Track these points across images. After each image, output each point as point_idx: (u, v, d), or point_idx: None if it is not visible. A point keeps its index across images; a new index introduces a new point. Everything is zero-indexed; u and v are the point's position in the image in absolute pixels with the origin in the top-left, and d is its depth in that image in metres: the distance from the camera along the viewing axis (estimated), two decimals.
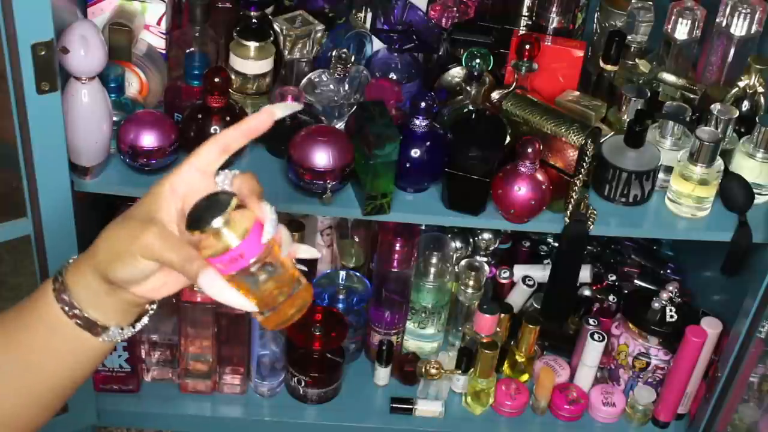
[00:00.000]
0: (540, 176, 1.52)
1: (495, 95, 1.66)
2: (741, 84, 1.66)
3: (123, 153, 1.51)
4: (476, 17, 1.78)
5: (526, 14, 1.76)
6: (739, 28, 1.68)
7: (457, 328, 1.88)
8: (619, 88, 1.67)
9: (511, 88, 1.63)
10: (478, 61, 1.61)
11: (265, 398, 1.83)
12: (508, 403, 1.84)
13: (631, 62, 1.73)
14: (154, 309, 0.96)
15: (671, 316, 1.75)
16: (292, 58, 1.65)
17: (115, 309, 0.91)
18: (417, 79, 1.71)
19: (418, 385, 1.86)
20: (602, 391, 1.86)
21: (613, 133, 1.63)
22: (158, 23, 1.61)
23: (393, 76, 1.69)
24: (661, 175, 1.62)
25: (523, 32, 1.72)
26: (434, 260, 1.78)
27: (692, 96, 1.70)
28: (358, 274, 1.87)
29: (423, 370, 1.81)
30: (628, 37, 1.70)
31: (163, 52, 1.64)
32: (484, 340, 1.76)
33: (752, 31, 1.68)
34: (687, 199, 1.58)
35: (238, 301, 0.88)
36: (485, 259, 1.92)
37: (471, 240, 1.93)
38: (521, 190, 1.51)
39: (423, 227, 1.82)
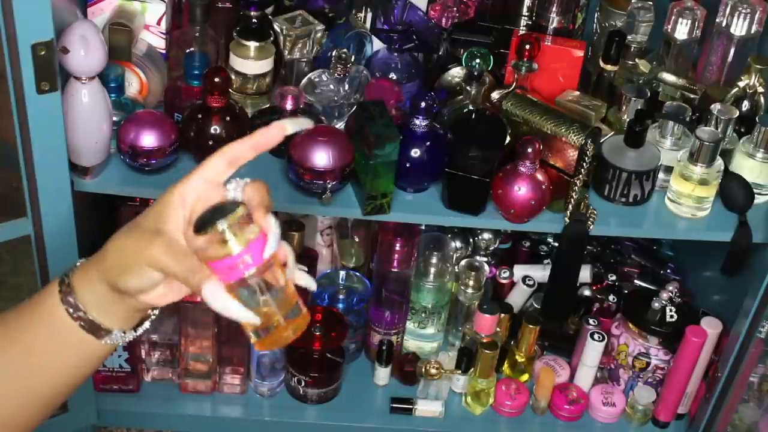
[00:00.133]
0: (540, 176, 1.52)
1: (495, 95, 1.66)
2: (741, 84, 1.66)
3: (123, 153, 1.51)
4: (476, 17, 1.78)
5: (526, 14, 1.76)
6: (739, 28, 1.68)
7: (457, 328, 1.88)
8: (619, 88, 1.67)
9: (511, 88, 1.63)
10: (478, 61, 1.61)
11: (265, 398, 1.83)
12: (508, 403, 1.84)
13: (631, 62, 1.73)
14: (156, 314, 0.97)
15: (671, 316, 1.75)
16: (292, 58, 1.65)
17: (120, 314, 0.93)
18: (417, 79, 1.72)
19: (418, 385, 1.86)
20: (602, 391, 1.86)
21: (613, 133, 1.63)
22: (158, 23, 1.61)
23: (393, 76, 1.69)
24: (661, 175, 1.62)
25: (523, 32, 1.72)
26: (434, 260, 1.78)
27: (692, 96, 1.70)
28: (358, 274, 1.87)
29: (423, 370, 1.81)
30: (628, 37, 1.70)
31: (163, 52, 1.64)
32: (484, 340, 1.76)
33: (752, 31, 1.68)
34: (687, 199, 1.58)
35: (240, 312, 0.88)
36: (485, 259, 1.92)
37: (471, 240, 1.93)
38: (521, 190, 1.52)
39: (423, 227, 1.82)
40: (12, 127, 1.34)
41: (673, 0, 1.72)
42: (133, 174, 1.53)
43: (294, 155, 1.50)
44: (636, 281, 1.98)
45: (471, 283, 1.83)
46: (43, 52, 1.27)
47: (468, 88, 1.64)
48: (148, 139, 1.49)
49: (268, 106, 1.64)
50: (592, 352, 1.81)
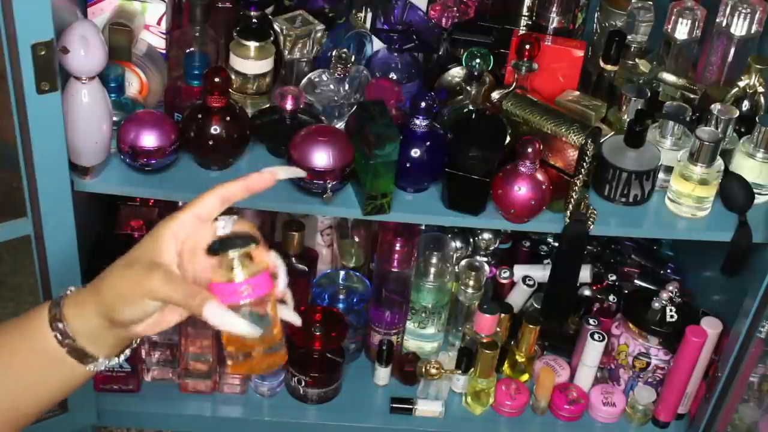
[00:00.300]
0: (540, 176, 1.52)
1: (495, 95, 1.66)
2: (741, 84, 1.66)
3: (123, 153, 1.51)
4: (476, 17, 1.78)
5: (526, 14, 1.76)
6: (739, 28, 1.68)
7: (457, 328, 1.88)
8: (619, 88, 1.67)
9: (511, 88, 1.63)
10: (478, 61, 1.61)
11: (265, 398, 1.83)
12: (508, 403, 1.84)
13: (631, 62, 1.73)
14: (137, 342, 1.01)
15: (671, 316, 1.75)
16: (292, 58, 1.65)
17: (109, 343, 0.96)
18: (417, 79, 1.71)
19: (418, 385, 1.86)
20: (602, 391, 1.86)
21: (613, 133, 1.63)
22: (158, 23, 1.61)
23: (393, 76, 1.69)
24: (661, 175, 1.62)
25: (523, 32, 1.72)
26: (434, 260, 1.78)
27: (692, 96, 1.70)
28: (358, 274, 1.87)
29: (423, 370, 1.81)
30: (628, 37, 1.70)
31: (163, 52, 1.64)
32: (484, 340, 1.76)
33: (752, 31, 1.68)
34: (687, 199, 1.58)
35: (242, 326, 0.91)
36: (485, 259, 1.92)
37: (471, 240, 1.93)
38: (521, 190, 1.51)
39: (423, 227, 1.82)
40: (12, 127, 1.34)
41: (673, 0, 1.72)
42: (133, 174, 1.53)
43: (294, 155, 1.50)
44: (636, 281, 1.98)
45: (471, 283, 1.83)
46: (43, 52, 1.27)
47: (468, 88, 1.64)
48: (148, 139, 1.49)
49: (268, 106, 1.64)
50: (592, 352, 1.81)
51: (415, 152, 1.53)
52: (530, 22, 1.75)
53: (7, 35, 1.24)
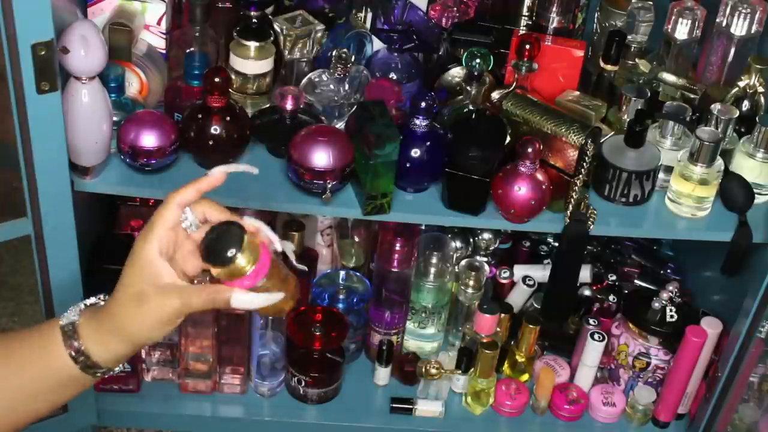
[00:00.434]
0: (540, 176, 1.52)
1: (495, 95, 1.66)
2: (741, 84, 1.66)
3: (123, 153, 1.51)
4: (476, 17, 1.78)
5: (526, 14, 1.76)
6: (739, 28, 1.68)
7: (457, 328, 1.88)
8: (619, 88, 1.67)
9: (511, 88, 1.63)
10: (478, 61, 1.61)
11: (265, 398, 1.83)
12: (508, 403, 1.84)
13: (631, 62, 1.73)
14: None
15: (671, 316, 1.75)
16: (292, 58, 1.65)
17: (124, 359, 1.05)
18: (417, 79, 1.72)
19: (418, 385, 1.86)
20: (602, 391, 1.86)
21: (613, 133, 1.63)
22: (158, 23, 1.61)
23: (393, 76, 1.69)
24: (661, 175, 1.62)
25: (523, 32, 1.72)
26: (434, 260, 1.78)
27: (692, 96, 1.70)
28: (358, 274, 1.87)
29: (423, 370, 1.81)
30: (628, 37, 1.70)
31: (163, 52, 1.64)
32: (484, 340, 1.76)
33: (752, 31, 1.69)
34: (687, 199, 1.58)
35: (268, 299, 1.01)
36: (485, 259, 1.92)
37: (471, 240, 1.93)
38: (521, 190, 1.52)
39: (423, 227, 1.82)
40: (12, 127, 1.34)
41: (673, 0, 1.72)
42: (133, 174, 1.53)
43: (294, 155, 1.50)
44: (636, 281, 1.98)
45: (471, 283, 1.83)
46: (43, 52, 1.27)
47: (468, 88, 1.64)
48: (148, 139, 1.49)
49: (268, 106, 1.64)
50: (592, 352, 1.81)
51: (415, 152, 1.53)
52: (530, 22, 1.76)
53: (7, 35, 1.24)
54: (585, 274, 1.91)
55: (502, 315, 1.79)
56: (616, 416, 1.85)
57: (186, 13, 1.64)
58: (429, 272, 1.79)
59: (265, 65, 1.61)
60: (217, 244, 0.99)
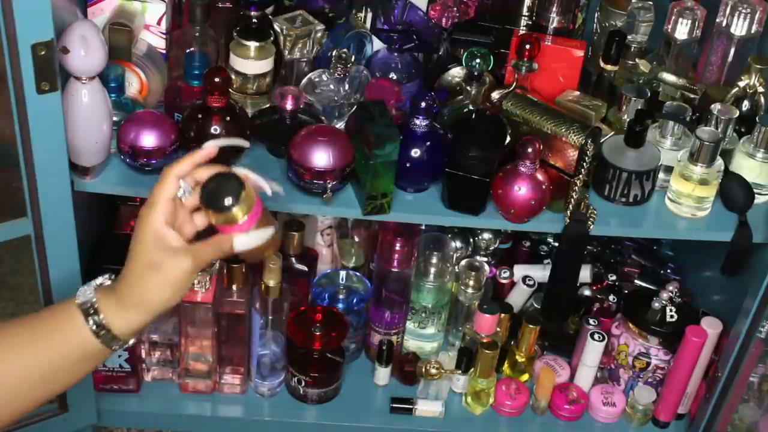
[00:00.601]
0: (540, 176, 1.52)
1: (495, 95, 1.66)
2: (741, 84, 1.66)
3: (123, 153, 1.51)
4: (476, 17, 1.78)
5: (526, 14, 1.76)
6: (739, 28, 1.68)
7: (457, 328, 1.88)
8: (619, 88, 1.67)
9: (511, 88, 1.63)
10: (478, 61, 1.61)
11: (265, 398, 1.83)
12: (508, 403, 1.84)
13: (631, 62, 1.73)
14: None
15: (671, 316, 1.75)
16: (292, 58, 1.65)
17: (141, 330, 1.14)
18: (417, 79, 1.72)
19: (418, 385, 1.86)
20: (602, 391, 1.86)
21: (613, 133, 1.63)
22: (158, 23, 1.61)
23: (393, 76, 1.70)
24: (661, 175, 1.63)
25: (523, 32, 1.72)
26: (434, 260, 1.78)
27: (692, 96, 1.70)
28: (358, 274, 1.87)
29: (423, 370, 1.81)
30: (628, 37, 1.71)
31: (163, 52, 1.64)
32: (484, 340, 1.76)
33: (752, 31, 1.69)
34: (687, 199, 1.58)
35: (263, 235, 1.14)
36: (485, 259, 1.92)
37: (471, 240, 1.93)
38: (521, 190, 1.52)
39: (423, 227, 1.82)
40: (12, 127, 1.34)
41: (673, 0, 1.72)
42: (133, 174, 1.53)
43: (294, 155, 1.50)
44: (636, 281, 1.98)
45: (471, 283, 1.83)
46: (43, 52, 1.27)
47: (468, 88, 1.64)
48: (148, 139, 1.49)
49: (268, 106, 1.64)
50: (592, 352, 1.81)
51: (415, 152, 1.53)
52: (530, 22, 1.76)
53: (7, 35, 1.24)
54: (585, 274, 1.91)
55: (502, 315, 1.79)
56: (616, 416, 1.85)
57: (186, 13, 1.64)
58: (429, 272, 1.79)
59: (265, 65, 1.61)
60: (218, 193, 1.10)
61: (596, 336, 1.79)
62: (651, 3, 1.72)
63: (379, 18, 1.69)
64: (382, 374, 1.85)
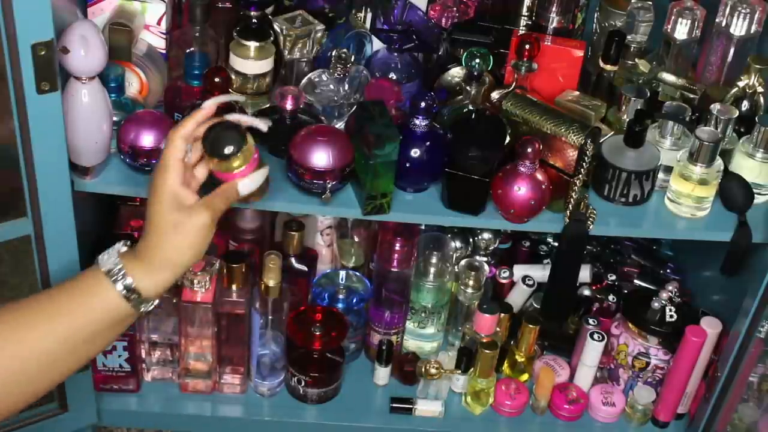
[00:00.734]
0: (540, 176, 1.52)
1: (495, 95, 1.66)
2: (741, 84, 1.66)
3: (123, 153, 1.51)
4: (476, 17, 1.78)
5: (526, 14, 1.76)
6: (738, 28, 1.68)
7: (457, 328, 1.88)
8: (619, 88, 1.67)
9: (510, 88, 1.64)
10: (478, 61, 1.61)
11: (265, 398, 1.83)
12: (508, 402, 1.84)
13: (630, 62, 1.73)
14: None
15: (671, 316, 1.75)
16: (292, 58, 1.65)
17: (167, 289, 1.21)
18: (417, 79, 1.72)
19: (418, 384, 1.86)
20: (602, 390, 1.86)
21: (612, 133, 1.63)
22: (158, 23, 1.61)
23: (393, 76, 1.70)
24: (660, 175, 1.63)
25: (523, 32, 1.72)
26: (434, 260, 1.78)
27: (692, 96, 1.70)
28: (358, 274, 1.87)
29: (423, 369, 1.81)
30: (628, 37, 1.71)
31: (163, 52, 1.64)
32: (484, 340, 1.76)
33: (752, 31, 1.69)
34: (687, 199, 1.58)
35: (262, 176, 1.25)
36: (485, 258, 1.92)
37: (471, 240, 1.93)
38: (521, 190, 1.52)
39: (423, 227, 1.82)
40: (12, 127, 1.34)
41: (672, 0, 1.72)
42: (133, 174, 1.53)
43: (294, 155, 1.50)
44: (636, 281, 1.98)
45: (471, 282, 1.83)
46: (43, 52, 1.27)
47: (468, 88, 1.64)
48: (148, 139, 1.49)
49: (268, 106, 1.64)
50: (591, 351, 1.81)
51: (415, 152, 1.53)
52: (530, 22, 1.76)
53: (7, 35, 1.24)
54: (585, 274, 1.91)
55: (502, 315, 1.79)
56: (616, 416, 1.85)
57: (186, 13, 1.64)
58: (429, 272, 1.79)
59: (265, 65, 1.61)
60: (221, 142, 1.20)
61: (596, 336, 1.79)
62: (651, 3, 1.72)
63: (379, 18, 1.69)
64: (382, 374, 1.85)
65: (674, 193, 1.60)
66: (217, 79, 1.48)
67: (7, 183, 1.43)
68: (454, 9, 1.78)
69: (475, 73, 1.62)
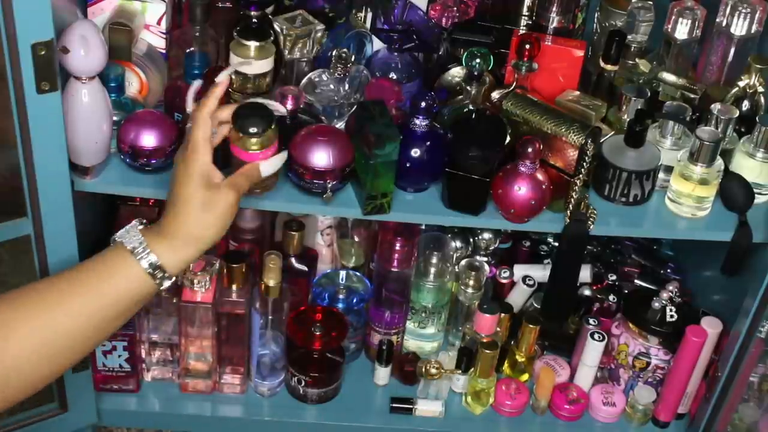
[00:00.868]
0: (540, 176, 1.52)
1: (495, 95, 1.66)
2: (741, 84, 1.66)
3: (123, 153, 1.51)
4: (476, 17, 1.78)
5: (526, 14, 1.76)
6: (739, 27, 1.68)
7: (457, 328, 1.88)
8: (619, 88, 1.67)
9: (511, 88, 1.63)
10: (478, 60, 1.61)
11: (265, 398, 1.83)
12: (508, 402, 1.84)
13: (631, 62, 1.73)
14: None
15: (671, 316, 1.75)
16: (292, 57, 1.65)
17: (190, 264, 1.29)
18: (417, 79, 1.71)
19: (418, 384, 1.86)
20: (602, 390, 1.86)
21: (613, 132, 1.63)
22: (158, 23, 1.61)
23: (393, 75, 1.70)
24: (661, 175, 1.63)
25: (523, 32, 1.72)
26: (434, 260, 1.78)
27: (692, 96, 1.70)
28: (358, 273, 1.87)
29: (423, 369, 1.81)
30: (628, 37, 1.70)
31: (163, 51, 1.64)
32: (484, 340, 1.76)
33: (752, 31, 1.69)
34: (687, 199, 1.58)
35: (281, 160, 1.34)
36: (485, 258, 1.92)
37: (471, 240, 1.93)
38: (521, 190, 1.52)
39: (423, 227, 1.82)
40: (12, 127, 1.33)
41: (673, 0, 1.72)
42: (133, 174, 1.53)
43: (294, 155, 1.50)
44: (636, 281, 1.98)
45: (471, 282, 1.83)
46: (43, 52, 1.27)
47: (468, 88, 1.64)
48: (148, 139, 1.49)
49: None
50: (592, 351, 1.81)
51: (415, 152, 1.53)
52: (530, 22, 1.75)
53: (7, 35, 1.24)
54: (585, 274, 1.91)
55: (502, 315, 1.79)
56: (616, 416, 1.85)
57: (186, 12, 1.64)
58: (429, 272, 1.79)
59: (265, 65, 1.61)
60: (252, 120, 1.28)
61: (596, 336, 1.79)
62: (651, 3, 1.72)
63: (379, 18, 1.69)
64: (382, 374, 1.85)
65: (675, 193, 1.60)
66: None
67: (7, 183, 1.43)
68: (455, 9, 1.78)
69: (476, 73, 1.62)
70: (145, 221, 1.24)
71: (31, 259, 1.50)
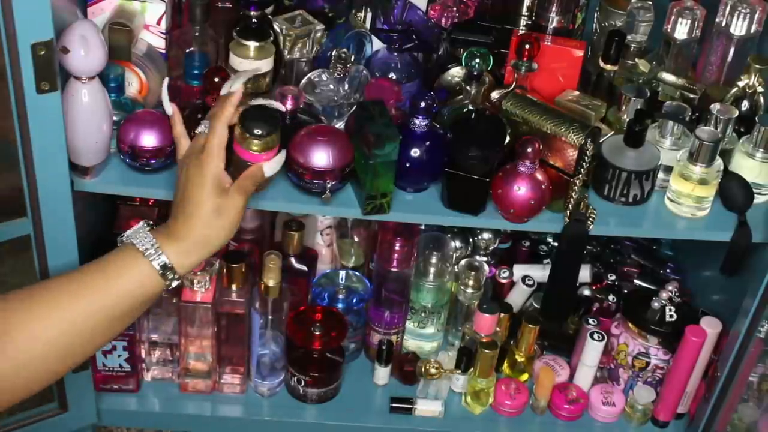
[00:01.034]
0: (540, 176, 1.52)
1: (495, 95, 1.66)
2: (740, 84, 1.67)
3: (123, 153, 1.51)
4: (476, 17, 1.78)
5: (526, 14, 1.76)
6: (738, 27, 1.68)
7: (456, 328, 1.88)
8: (619, 88, 1.67)
9: (510, 88, 1.64)
10: (477, 60, 1.61)
11: (265, 398, 1.83)
12: (507, 402, 1.84)
13: (630, 62, 1.73)
14: None
15: (671, 316, 1.75)
16: (292, 58, 1.65)
17: (198, 265, 1.30)
18: (417, 79, 1.72)
19: (417, 384, 1.86)
20: (602, 390, 1.86)
21: (612, 132, 1.63)
22: (158, 23, 1.61)
23: (393, 75, 1.70)
24: (660, 175, 1.63)
25: (523, 32, 1.72)
26: (434, 260, 1.78)
27: (692, 96, 1.70)
28: (358, 273, 1.87)
29: (423, 369, 1.81)
30: (628, 37, 1.71)
31: (163, 51, 1.64)
32: (484, 340, 1.76)
33: (752, 31, 1.69)
34: (687, 199, 1.59)
35: (282, 159, 1.35)
36: (485, 258, 1.92)
37: (471, 240, 1.93)
38: (521, 190, 1.52)
39: (423, 227, 1.82)
40: (12, 127, 1.34)
41: (672, 0, 1.72)
42: (133, 174, 1.53)
43: (294, 155, 1.50)
44: (636, 281, 1.98)
45: (471, 282, 1.83)
46: (43, 52, 1.27)
47: (468, 87, 1.64)
48: (148, 139, 1.49)
49: None
50: (591, 351, 1.81)
51: (415, 152, 1.53)
52: (530, 22, 1.76)
53: (7, 35, 1.24)
54: (585, 273, 1.91)
55: (502, 315, 1.79)
56: (616, 416, 1.85)
57: (186, 13, 1.64)
58: (429, 272, 1.79)
59: (265, 65, 1.61)
60: (259, 122, 1.30)
61: (596, 336, 1.79)
62: (650, 3, 1.72)
63: (379, 18, 1.69)
64: (382, 374, 1.85)
65: (674, 193, 1.60)
66: (216, 79, 1.48)
67: (7, 183, 1.43)
68: (454, 9, 1.78)
69: (475, 73, 1.62)
70: (151, 223, 1.27)
71: (31, 259, 1.50)
